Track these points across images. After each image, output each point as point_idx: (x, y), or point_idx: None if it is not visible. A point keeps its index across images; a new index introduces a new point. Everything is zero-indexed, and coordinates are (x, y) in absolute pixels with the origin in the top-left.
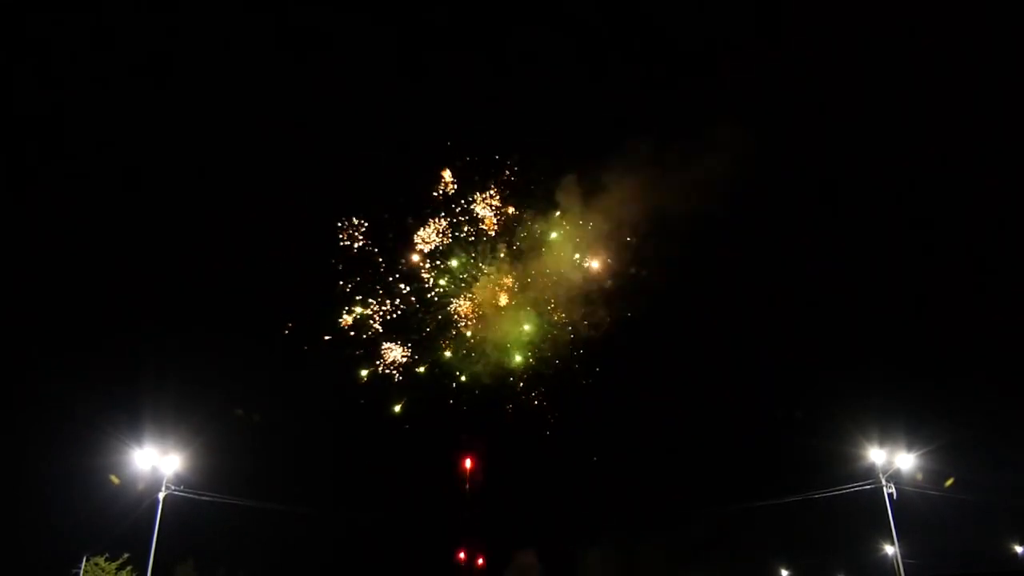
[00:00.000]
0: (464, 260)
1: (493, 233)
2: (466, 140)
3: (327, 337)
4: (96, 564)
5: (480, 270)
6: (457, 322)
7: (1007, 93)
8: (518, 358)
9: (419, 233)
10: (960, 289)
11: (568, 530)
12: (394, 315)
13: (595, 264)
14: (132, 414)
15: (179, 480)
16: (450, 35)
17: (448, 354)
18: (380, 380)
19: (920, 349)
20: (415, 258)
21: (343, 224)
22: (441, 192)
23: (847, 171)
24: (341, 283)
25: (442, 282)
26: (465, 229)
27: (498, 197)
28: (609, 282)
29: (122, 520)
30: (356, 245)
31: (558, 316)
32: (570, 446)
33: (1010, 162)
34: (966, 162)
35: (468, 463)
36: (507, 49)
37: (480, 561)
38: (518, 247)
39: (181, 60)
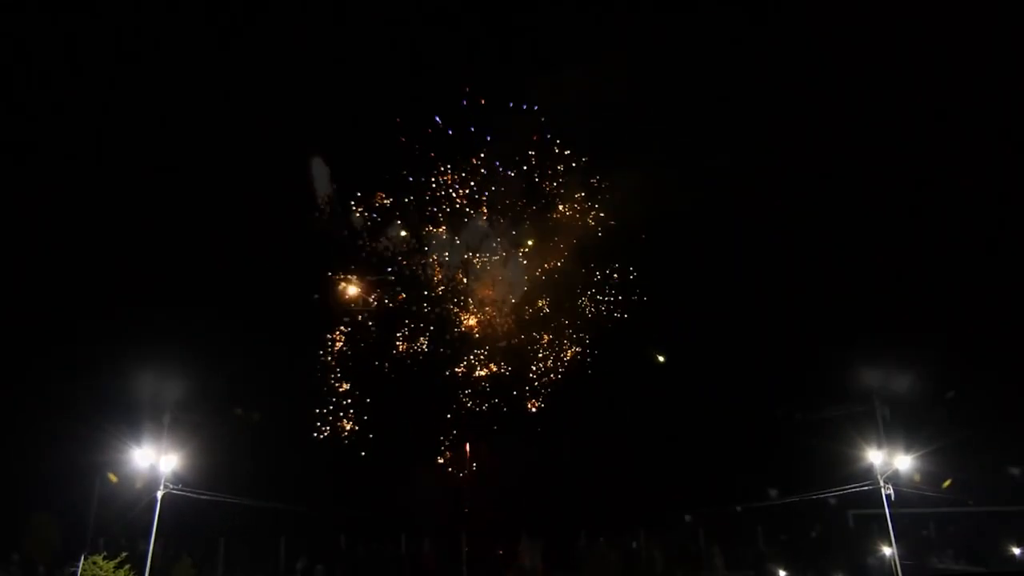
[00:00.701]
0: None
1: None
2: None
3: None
4: (94, 562)
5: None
6: (457, 320)
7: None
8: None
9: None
10: (961, 286)
11: (569, 527)
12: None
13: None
14: (131, 412)
15: (177, 479)
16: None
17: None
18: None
19: (920, 349)
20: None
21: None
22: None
23: (845, 168)
24: (341, 277)
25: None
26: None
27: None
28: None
29: (120, 518)
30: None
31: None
32: (571, 444)
33: (1012, 160)
34: (966, 156)
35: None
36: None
37: (501, 552)
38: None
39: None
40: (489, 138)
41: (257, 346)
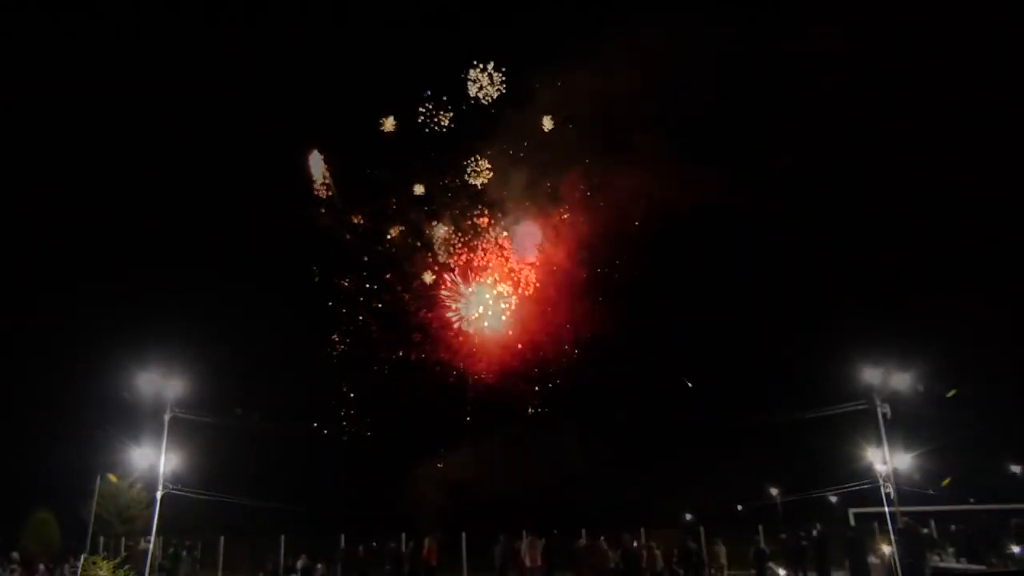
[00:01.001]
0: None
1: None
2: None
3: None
4: (93, 562)
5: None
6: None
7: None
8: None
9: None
10: (962, 285)
11: (570, 525)
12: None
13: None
14: (131, 412)
15: (177, 478)
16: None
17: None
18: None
19: (921, 347)
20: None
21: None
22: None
23: (845, 168)
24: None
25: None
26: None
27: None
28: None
29: (120, 516)
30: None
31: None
32: (573, 443)
33: (1012, 160)
34: (966, 156)
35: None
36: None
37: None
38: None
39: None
40: (493, 111)
41: (257, 345)
